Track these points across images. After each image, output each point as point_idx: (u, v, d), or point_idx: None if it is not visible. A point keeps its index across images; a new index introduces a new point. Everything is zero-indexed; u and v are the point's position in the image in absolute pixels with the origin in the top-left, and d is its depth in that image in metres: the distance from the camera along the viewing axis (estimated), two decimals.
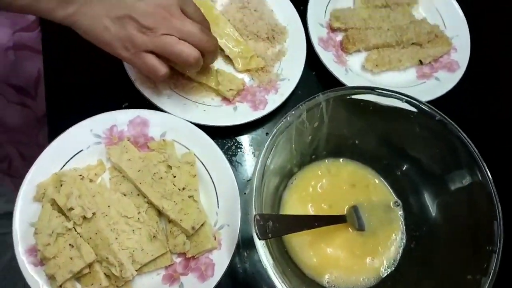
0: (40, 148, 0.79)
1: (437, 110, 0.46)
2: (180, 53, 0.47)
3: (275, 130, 0.43)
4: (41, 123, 0.76)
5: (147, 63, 0.47)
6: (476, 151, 0.43)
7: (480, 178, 0.43)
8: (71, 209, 0.45)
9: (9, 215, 0.45)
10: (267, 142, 0.42)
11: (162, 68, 0.48)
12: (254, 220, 0.38)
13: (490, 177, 0.42)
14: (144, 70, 0.49)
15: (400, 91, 0.47)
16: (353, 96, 0.48)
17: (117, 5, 0.44)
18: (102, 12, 0.43)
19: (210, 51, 0.50)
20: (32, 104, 0.71)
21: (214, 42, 0.51)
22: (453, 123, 0.45)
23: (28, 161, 0.83)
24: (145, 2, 0.44)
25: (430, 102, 0.63)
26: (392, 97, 0.47)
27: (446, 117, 0.46)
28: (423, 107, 0.47)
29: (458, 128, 0.45)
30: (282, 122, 0.43)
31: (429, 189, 0.51)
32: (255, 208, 0.39)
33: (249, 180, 0.58)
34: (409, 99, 0.47)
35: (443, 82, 0.66)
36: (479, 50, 0.70)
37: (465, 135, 0.44)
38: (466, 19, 0.72)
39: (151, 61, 0.47)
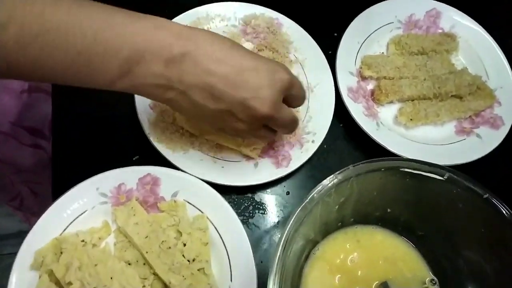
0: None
1: (486, 188, 0.40)
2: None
3: (298, 210, 0.37)
4: None
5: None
6: None
7: None
8: (70, 283, 0.41)
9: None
10: (288, 227, 0.36)
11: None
12: None
13: None
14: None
15: (443, 165, 0.41)
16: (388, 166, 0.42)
17: (219, 99, 0.41)
18: (201, 100, 0.41)
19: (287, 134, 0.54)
20: (45, 144, 0.69)
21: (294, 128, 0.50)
22: (506, 207, 0.39)
23: (40, 198, 0.81)
24: (248, 99, 0.41)
25: (470, 163, 0.57)
26: (432, 172, 0.41)
27: (498, 199, 0.39)
28: (468, 184, 0.41)
29: None
30: (306, 201, 0.38)
31: (474, 283, 0.45)
32: None
33: (270, 233, 0.53)
34: (451, 174, 0.41)
35: (485, 140, 0.60)
36: None
37: None
38: None
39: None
